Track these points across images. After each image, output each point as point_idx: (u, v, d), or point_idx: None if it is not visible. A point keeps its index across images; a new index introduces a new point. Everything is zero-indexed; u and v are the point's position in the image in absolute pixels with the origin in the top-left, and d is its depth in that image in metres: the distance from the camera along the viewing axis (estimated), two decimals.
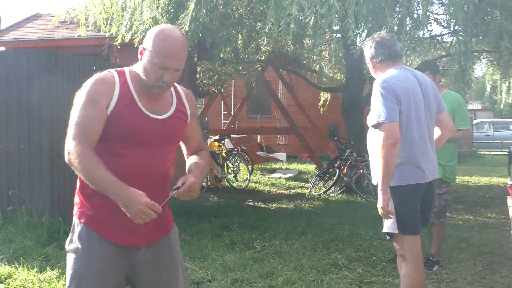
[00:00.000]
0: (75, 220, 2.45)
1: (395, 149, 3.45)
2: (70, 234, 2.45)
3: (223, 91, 16.49)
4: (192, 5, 6.63)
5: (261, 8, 8.66)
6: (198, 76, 12.23)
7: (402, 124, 3.57)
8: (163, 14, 7.36)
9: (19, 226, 6.09)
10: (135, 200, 2.20)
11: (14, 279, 4.50)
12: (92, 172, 2.25)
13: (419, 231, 3.74)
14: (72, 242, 2.42)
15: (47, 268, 4.88)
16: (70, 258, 2.40)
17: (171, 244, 2.61)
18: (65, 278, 4.54)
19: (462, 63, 6.36)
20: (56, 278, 4.59)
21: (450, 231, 6.79)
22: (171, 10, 7.32)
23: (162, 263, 2.55)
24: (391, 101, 3.52)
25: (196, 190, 2.43)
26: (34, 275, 4.60)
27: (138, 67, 2.46)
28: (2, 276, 4.52)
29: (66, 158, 2.32)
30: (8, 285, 4.34)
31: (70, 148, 2.29)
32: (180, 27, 7.09)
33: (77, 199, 2.47)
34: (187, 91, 2.75)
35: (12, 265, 4.91)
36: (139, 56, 2.43)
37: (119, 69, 2.51)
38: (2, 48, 9.45)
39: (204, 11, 6.81)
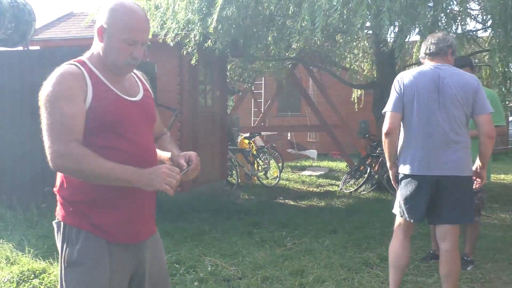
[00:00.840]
0: (72, 229, 2.20)
1: (388, 137, 3.88)
2: (67, 245, 2.20)
3: (253, 88, 16.53)
4: (220, 1, 6.66)
5: (291, 5, 8.64)
6: (228, 73, 12.26)
7: (404, 117, 3.89)
8: (195, 13, 7.39)
9: None
10: (154, 170, 2.10)
11: (49, 274, 4.58)
12: (98, 167, 2.07)
13: (413, 219, 4.03)
14: (77, 254, 2.18)
15: None
16: (77, 272, 2.18)
17: (160, 242, 2.54)
18: None
19: (502, 58, 6.22)
20: None
21: (485, 230, 6.66)
22: (203, 9, 7.35)
23: (161, 256, 2.51)
24: (396, 93, 3.88)
25: (199, 164, 2.34)
26: None
27: (100, 50, 2.26)
28: (37, 271, 4.61)
29: (54, 163, 2.10)
30: (43, 280, 4.42)
31: (60, 151, 2.09)
32: (213, 26, 7.15)
33: (68, 207, 2.23)
34: (139, 71, 2.53)
35: (47, 260, 5.00)
36: (98, 38, 2.23)
37: (76, 59, 2.30)
38: (37, 47, 9.62)
39: (235, 8, 6.82)
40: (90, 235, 2.19)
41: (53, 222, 2.30)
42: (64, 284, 2.20)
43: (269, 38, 9.73)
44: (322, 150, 18.42)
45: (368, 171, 10.86)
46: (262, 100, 19.06)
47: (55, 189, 2.31)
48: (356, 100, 14.98)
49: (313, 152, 16.88)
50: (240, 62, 12.24)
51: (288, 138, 18.12)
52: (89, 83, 2.19)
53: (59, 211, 2.27)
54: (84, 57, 2.30)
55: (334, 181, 12.59)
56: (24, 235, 5.87)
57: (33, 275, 4.54)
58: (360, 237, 6.49)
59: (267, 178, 12.65)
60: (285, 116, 19.44)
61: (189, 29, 7.59)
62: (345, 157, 13.74)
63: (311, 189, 11.37)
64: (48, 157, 2.10)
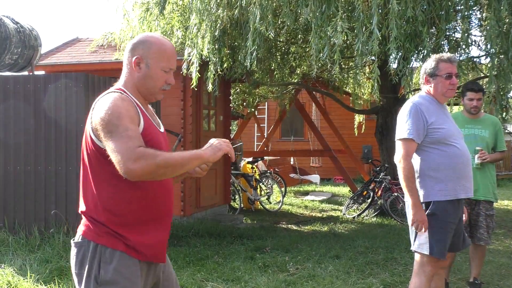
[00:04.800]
0: (106, 250, 2.30)
1: None
2: (101, 264, 2.28)
3: (256, 113, 16.58)
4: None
5: (297, 32, 8.77)
6: (231, 98, 12.33)
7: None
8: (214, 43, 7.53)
9: (56, 247, 6.18)
10: (212, 142, 2.41)
11: None
12: (171, 157, 2.24)
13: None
14: (111, 273, 2.27)
15: None
16: None
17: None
18: None
19: (501, 85, 6.27)
20: None
21: (490, 256, 6.62)
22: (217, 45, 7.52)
23: (173, 272, 2.67)
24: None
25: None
26: None
27: (135, 79, 2.43)
28: None
29: (131, 171, 2.16)
30: None
31: (132, 157, 2.15)
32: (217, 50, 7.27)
33: (101, 228, 2.32)
34: None
35: (48, 285, 4.98)
36: (134, 68, 2.41)
37: (116, 88, 2.43)
38: (42, 72, 9.71)
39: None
40: (124, 255, 2.31)
41: (76, 241, 2.38)
42: None
43: (273, 64, 9.85)
44: (325, 175, 18.39)
45: (371, 196, 10.83)
46: (265, 125, 19.11)
47: (82, 210, 2.40)
48: (357, 125, 15.01)
49: (315, 177, 16.86)
50: (244, 87, 12.32)
51: (291, 163, 18.12)
52: (139, 111, 2.36)
53: (87, 232, 2.35)
54: (119, 86, 2.44)
55: (337, 206, 12.55)
56: (26, 259, 5.85)
57: None
58: (363, 263, 6.45)
59: (270, 202, 12.62)
60: (288, 140, 19.46)
61: (207, 59, 7.67)
62: (348, 182, 13.71)
63: (314, 214, 11.33)
64: (123, 170, 2.17)
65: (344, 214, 11.03)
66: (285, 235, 8.48)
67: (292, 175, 16.28)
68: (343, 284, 5.48)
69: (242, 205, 11.39)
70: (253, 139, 19.81)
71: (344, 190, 15.43)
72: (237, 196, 11.43)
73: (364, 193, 11.25)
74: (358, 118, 14.86)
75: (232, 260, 6.61)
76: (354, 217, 10.65)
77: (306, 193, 15.36)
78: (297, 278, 5.81)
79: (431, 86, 3.87)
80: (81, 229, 2.39)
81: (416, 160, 3.80)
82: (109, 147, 2.22)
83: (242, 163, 12.32)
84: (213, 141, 2.42)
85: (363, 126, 14.63)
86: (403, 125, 3.78)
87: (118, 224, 2.32)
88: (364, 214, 10.73)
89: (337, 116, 16.63)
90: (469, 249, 5.38)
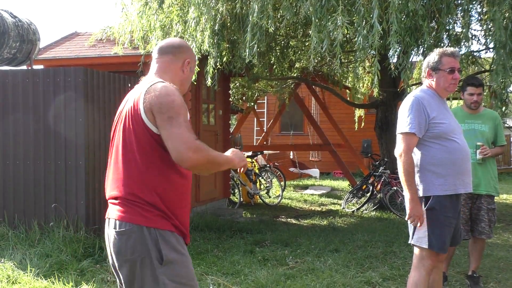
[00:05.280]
0: (161, 232, 2.43)
1: None
2: (161, 246, 2.41)
3: (256, 107, 16.57)
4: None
5: (296, 26, 8.75)
6: (231, 92, 12.32)
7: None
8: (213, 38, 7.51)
9: (56, 241, 6.19)
10: (237, 152, 2.68)
11: None
12: (217, 156, 2.51)
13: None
14: (173, 253, 2.43)
15: (82, 282, 4.95)
16: (175, 268, 2.44)
17: None
18: None
19: (501, 80, 6.26)
20: None
21: (488, 250, 6.63)
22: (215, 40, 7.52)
23: None
24: None
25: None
26: None
27: (179, 79, 2.71)
28: None
29: (191, 158, 2.35)
30: None
31: (194, 147, 2.37)
32: (217, 44, 7.26)
33: (153, 211, 2.43)
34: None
35: (49, 279, 4.99)
36: (184, 69, 2.71)
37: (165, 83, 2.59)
38: (40, 66, 9.68)
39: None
40: (175, 235, 2.51)
41: (124, 229, 2.43)
42: (164, 282, 2.39)
43: (272, 58, 9.83)
44: (324, 169, 18.41)
45: (371, 190, 10.84)
46: (265, 119, 19.11)
47: (122, 195, 2.47)
48: (357, 120, 15.01)
49: (315, 171, 16.87)
50: (243, 81, 12.30)
51: (291, 157, 18.12)
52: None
53: (134, 217, 2.42)
54: (167, 81, 2.60)
55: (336, 200, 12.56)
56: (26, 254, 5.85)
57: None
58: (362, 256, 6.46)
59: (269, 196, 12.63)
60: (288, 135, 19.46)
61: (206, 53, 7.65)
62: (347, 176, 13.72)
63: (313, 208, 11.34)
64: (182, 157, 2.35)
65: (343, 208, 11.05)
66: (284, 229, 8.50)
67: (291, 169, 16.29)
68: (342, 278, 5.50)
69: (241, 199, 11.40)
70: (253, 133, 19.81)
71: (344, 184, 15.45)
72: (236, 190, 11.45)
73: (363, 187, 11.26)
74: (358, 112, 14.87)
75: (231, 254, 6.63)
76: (353, 211, 10.66)
77: (306, 187, 15.36)
78: (297, 272, 5.82)
79: (433, 80, 3.86)
80: (123, 215, 2.45)
81: (416, 155, 3.80)
82: (168, 132, 2.38)
83: None
84: (232, 150, 2.69)
85: (362, 120, 14.64)
86: (404, 119, 3.78)
87: (166, 206, 2.46)
88: (363, 208, 10.75)
89: (337, 110, 16.63)
90: (469, 242, 5.40)
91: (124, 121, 2.52)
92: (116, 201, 2.49)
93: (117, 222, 2.45)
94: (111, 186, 2.55)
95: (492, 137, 5.20)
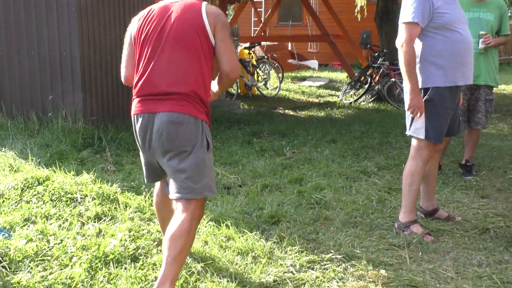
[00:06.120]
0: (206, 124, 2.89)
1: None
2: (207, 136, 2.87)
3: None
4: None
5: None
6: None
7: None
8: None
9: (55, 131, 6.23)
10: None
11: (52, 181, 4.65)
12: None
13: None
14: (211, 141, 2.92)
15: (83, 171, 5.04)
16: (210, 154, 2.92)
17: None
18: (100, 181, 4.70)
19: None
20: (92, 181, 4.74)
21: (483, 139, 6.71)
22: None
23: None
24: None
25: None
26: (71, 178, 4.75)
27: None
28: (41, 179, 4.68)
29: (236, 74, 2.90)
30: (47, 187, 4.50)
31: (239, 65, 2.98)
32: None
33: (204, 108, 2.87)
34: None
35: (50, 168, 5.08)
36: None
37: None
38: None
39: None
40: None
41: (181, 119, 2.78)
42: (207, 163, 2.87)
43: None
44: (322, 61, 18.24)
45: (369, 81, 10.81)
46: (263, 9, 18.61)
47: (181, 91, 2.79)
48: (359, 9, 14.62)
49: (313, 63, 16.73)
50: None
51: (289, 48, 17.87)
52: None
53: (191, 110, 2.81)
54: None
55: (334, 91, 12.56)
56: (26, 144, 5.91)
57: (37, 182, 4.61)
58: (358, 147, 6.55)
59: (267, 88, 12.61)
60: (286, 26, 19.06)
61: None
62: (346, 68, 13.62)
63: (311, 100, 11.37)
64: (234, 74, 2.87)
65: (341, 99, 11.07)
66: (282, 120, 8.56)
67: (289, 60, 16.14)
68: (338, 167, 5.61)
69: (239, 91, 11.38)
70: (250, 24, 19.37)
71: (342, 75, 15.38)
72: None
73: (361, 79, 11.22)
74: (360, 1, 14.45)
75: (229, 145, 6.71)
76: (351, 103, 10.69)
77: (304, 78, 15.30)
78: (294, 162, 5.93)
79: None
80: (183, 108, 2.79)
81: (418, 45, 3.72)
82: (228, 47, 2.85)
83: (239, 49, 12.15)
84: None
85: (365, 11, 14.26)
86: (408, 8, 3.66)
87: (207, 104, 2.91)
88: (361, 99, 10.77)
89: (336, 0, 16.15)
90: (464, 133, 5.46)
91: (182, 29, 2.82)
92: (175, 96, 2.79)
93: (176, 114, 2.77)
94: (166, 83, 2.81)
95: (497, 26, 5.09)
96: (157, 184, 3.25)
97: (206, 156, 2.87)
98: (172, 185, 2.83)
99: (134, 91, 2.91)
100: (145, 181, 3.14)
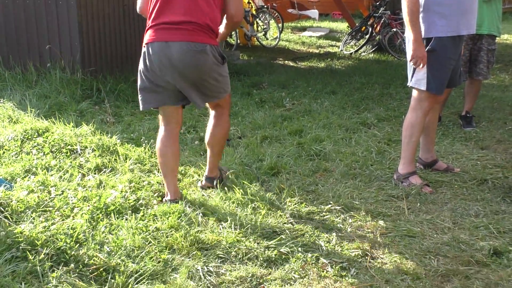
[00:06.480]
0: (216, 47, 3.28)
1: None
2: (217, 55, 3.29)
3: None
4: None
5: None
6: None
7: None
8: None
9: (53, 82, 6.19)
10: None
11: (52, 133, 4.65)
12: None
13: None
14: (222, 53, 3.35)
15: (82, 123, 5.03)
16: (224, 65, 3.41)
17: None
18: (100, 133, 4.70)
19: None
20: (91, 133, 4.74)
21: (484, 90, 6.67)
22: None
23: None
24: None
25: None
26: (71, 130, 4.75)
27: None
28: (40, 130, 4.68)
29: (240, 19, 3.42)
30: (47, 138, 4.50)
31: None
32: None
33: (216, 37, 3.30)
34: None
35: (49, 120, 5.06)
36: None
37: None
38: None
39: None
40: None
41: (203, 48, 3.19)
42: (223, 74, 3.44)
43: None
44: (323, 10, 17.93)
45: (370, 31, 10.67)
46: None
47: (206, 22, 3.19)
48: None
49: (314, 12, 16.43)
50: None
51: None
52: None
53: (209, 39, 3.22)
54: None
55: (334, 42, 12.43)
56: (25, 95, 5.88)
57: (36, 134, 4.61)
58: (358, 98, 6.53)
59: (267, 39, 12.46)
60: None
61: None
62: (346, 18, 13.41)
63: (311, 50, 11.25)
64: (238, 17, 3.31)
65: (341, 50, 10.96)
66: (281, 71, 8.49)
67: (289, 10, 15.85)
68: (338, 119, 5.60)
69: (238, 41, 11.25)
70: None
71: (342, 25, 15.17)
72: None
73: (362, 29, 11.07)
74: None
75: None
76: (351, 53, 10.59)
77: (304, 29, 15.11)
78: (293, 113, 5.91)
79: None
80: (199, 38, 3.18)
81: None
82: None
83: None
84: None
85: None
86: None
87: (217, 35, 3.35)
88: (362, 50, 10.66)
89: None
90: (465, 84, 5.43)
91: None
92: (189, 26, 3.14)
93: (193, 43, 3.16)
94: (180, 12, 3.15)
95: None
96: (161, 130, 3.45)
97: (222, 69, 3.38)
98: (197, 98, 3.35)
99: (149, 22, 3.22)
100: (142, 108, 3.41)
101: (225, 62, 3.42)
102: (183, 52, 3.15)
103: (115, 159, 4.21)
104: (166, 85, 3.26)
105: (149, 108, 3.43)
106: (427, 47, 3.64)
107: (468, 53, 5.17)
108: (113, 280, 2.56)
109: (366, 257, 2.86)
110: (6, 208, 3.14)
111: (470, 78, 5.31)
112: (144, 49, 3.25)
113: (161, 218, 3.19)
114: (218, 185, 3.68)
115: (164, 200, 3.49)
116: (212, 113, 3.67)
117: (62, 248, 2.74)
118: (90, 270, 2.63)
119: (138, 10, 3.38)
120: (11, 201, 3.22)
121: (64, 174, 3.83)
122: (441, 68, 3.68)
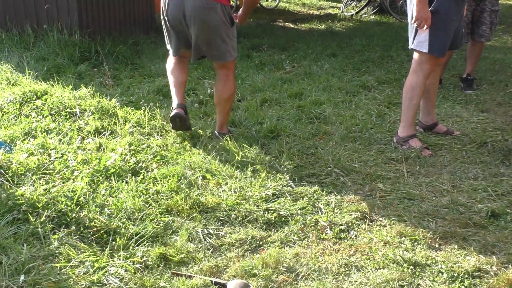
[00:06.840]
0: (227, 7, 3.63)
1: None
2: (227, 16, 3.63)
3: None
4: None
5: None
6: None
7: None
8: None
9: (51, 44, 6.12)
10: None
11: (51, 95, 4.62)
12: None
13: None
14: (232, 16, 3.69)
15: (81, 85, 5.00)
16: (233, 27, 3.74)
17: None
18: (99, 95, 4.68)
19: None
20: (90, 96, 4.71)
21: (486, 52, 6.62)
22: None
23: None
24: None
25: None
26: (69, 92, 4.72)
27: None
28: (39, 93, 4.65)
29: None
30: (46, 101, 4.47)
31: None
32: None
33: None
34: None
35: (48, 82, 5.03)
36: None
37: None
38: None
39: None
40: None
41: (215, 5, 3.54)
42: (231, 37, 3.75)
43: None
44: None
45: None
46: None
47: None
48: None
49: None
50: None
51: None
52: None
53: None
54: None
55: (335, 3, 12.27)
56: (22, 57, 5.83)
57: (35, 96, 4.58)
58: (359, 61, 6.48)
59: (267, 0, 12.30)
60: None
61: None
62: None
63: (311, 12, 11.12)
64: None
65: (342, 11, 10.83)
66: (281, 34, 8.41)
67: None
68: (338, 81, 5.56)
69: (237, 2, 11.09)
70: None
71: None
72: None
73: None
74: None
75: None
76: (352, 15, 10.47)
77: None
78: (293, 76, 5.87)
79: None
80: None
81: None
82: None
83: None
84: None
85: None
86: None
87: None
88: (363, 11, 10.54)
89: None
90: (467, 45, 5.37)
91: None
92: None
93: (205, 0, 3.51)
94: None
95: None
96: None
97: (230, 31, 3.69)
98: (195, 51, 3.74)
99: None
100: (173, 52, 3.91)
101: (234, 25, 3.69)
102: (195, 8, 3.53)
103: (114, 122, 4.20)
104: (180, 33, 3.74)
105: (178, 50, 3.88)
106: (430, 9, 3.59)
107: (470, 14, 5.10)
108: (114, 242, 2.59)
109: (365, 220, 2.88)
110: (7, 171, 3.15)
111: (472, 40, 5.26)
112: (162, 1, 3.71)
113: (161, 181, 3.20)
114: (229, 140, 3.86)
115: (171, 109, 3.88)
116: (218, 74, 3.95)
117: (63, 210, 2.76)
118: (91, 232, 2.65)
119: None
120: (12, 164, 3.22)
121: (63, 137, 3.83)
122: (443, 29, 3.64)
